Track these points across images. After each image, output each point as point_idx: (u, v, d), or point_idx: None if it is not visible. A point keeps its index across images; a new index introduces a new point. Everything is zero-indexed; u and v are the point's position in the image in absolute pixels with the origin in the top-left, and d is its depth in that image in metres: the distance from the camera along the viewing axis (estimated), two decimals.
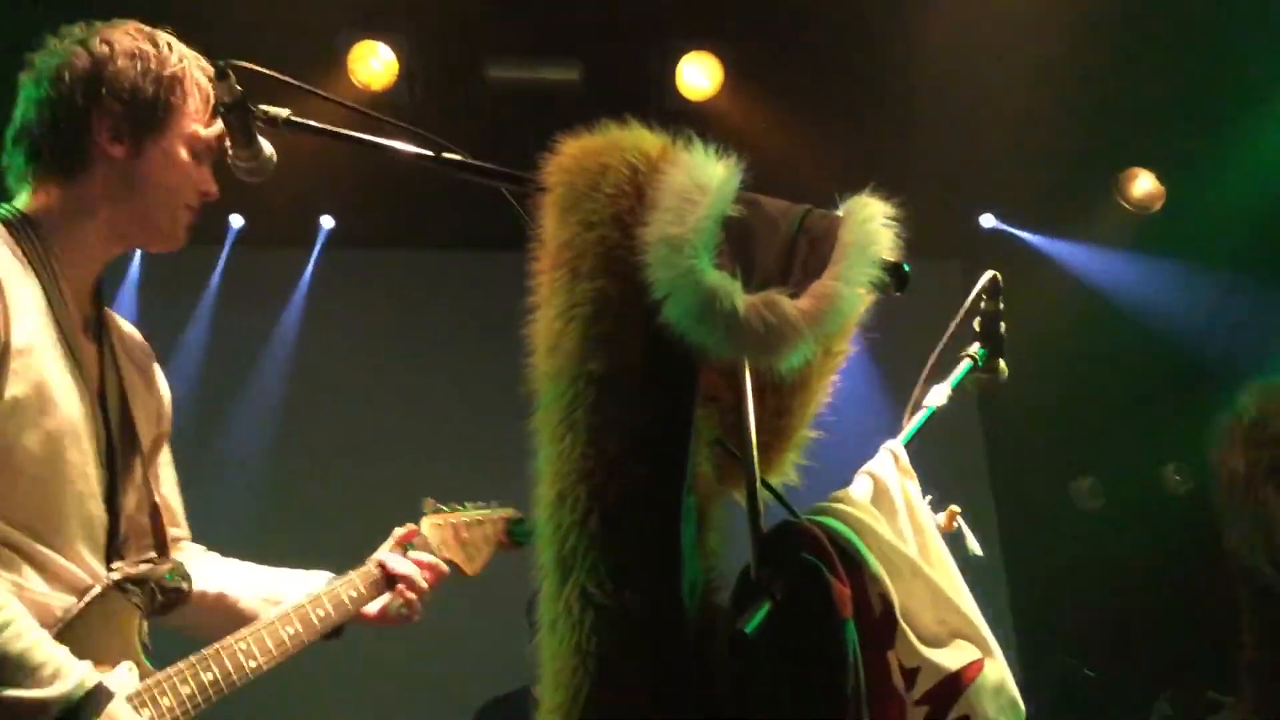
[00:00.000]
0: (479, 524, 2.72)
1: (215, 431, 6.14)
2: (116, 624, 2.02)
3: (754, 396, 1.50)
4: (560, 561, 1.40)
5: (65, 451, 1.98)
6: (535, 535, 1.45)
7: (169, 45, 2.17)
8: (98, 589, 2.00)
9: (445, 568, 2.58)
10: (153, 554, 2.14)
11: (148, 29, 2.17)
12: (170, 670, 2.07)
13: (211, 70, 2.06)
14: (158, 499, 2.23)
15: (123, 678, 1.99)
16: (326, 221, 6.50)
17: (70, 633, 1.94)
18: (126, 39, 2.13)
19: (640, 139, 1.60)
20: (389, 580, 2.47)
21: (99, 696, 1.84)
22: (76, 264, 2.12)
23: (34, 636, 1.84)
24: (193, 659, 2.11)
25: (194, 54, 2.19)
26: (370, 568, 2.47)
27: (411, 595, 2.47)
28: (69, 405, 1.99)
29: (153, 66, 2.13)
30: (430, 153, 1.76)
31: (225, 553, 2.53)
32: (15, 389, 1.92)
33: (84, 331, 2.13)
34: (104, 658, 1.97)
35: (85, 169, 2.09)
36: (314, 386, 6.28)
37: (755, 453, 1.47)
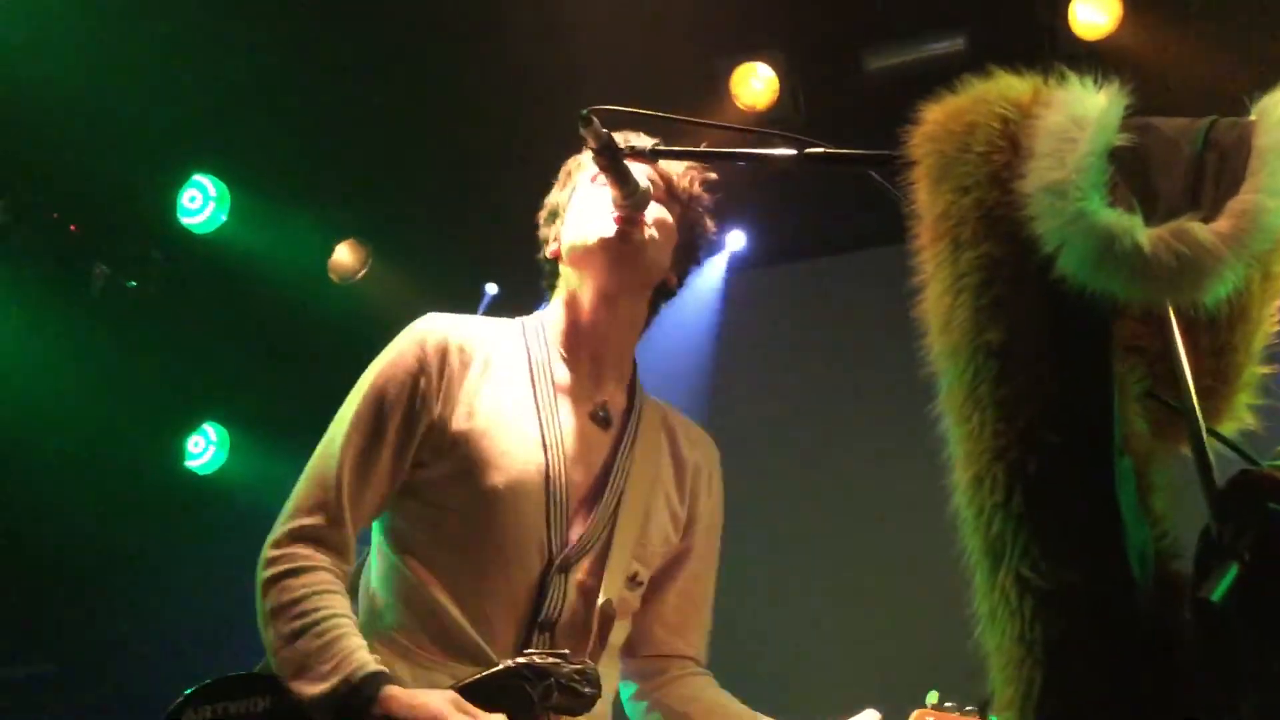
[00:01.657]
0: None
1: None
2: (506, 705, 2.03)
3: (1184, 338, 1.35)
4: (989, 548, 1.31)
5: (500, 524, 2.11)
6: (959, 522, 1.37)
7: (576, 157, 2.41)
8: (498, 668, 2.06)
9: None
10: (567, 651, 2.12)
11: None
12: None
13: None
14: (612, 605, 2.21)
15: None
16: (734, 239, 6.53)
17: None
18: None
19: (1007, 87, 1.49)
20: None
21: (371, 684, 1.92)
22: (595, 352, 2.30)
23: (331, 635, 1.96)
24: None
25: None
26: None
27: None
28: (516, 483, 2.13)
29: (558, 177, 2.42)
30: (793, 151, 1.73)
31: None
32: (459, 455, 2.11)
33: (593, 419, 2.26)
34: None
35: (558, 275, 2.36)
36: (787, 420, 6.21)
37: (1195, 399, 1.31)
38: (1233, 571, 1.19)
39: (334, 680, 1.93)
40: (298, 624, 1.98)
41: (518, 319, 2.36)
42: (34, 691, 5.60)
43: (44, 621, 5.69)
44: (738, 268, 6.33)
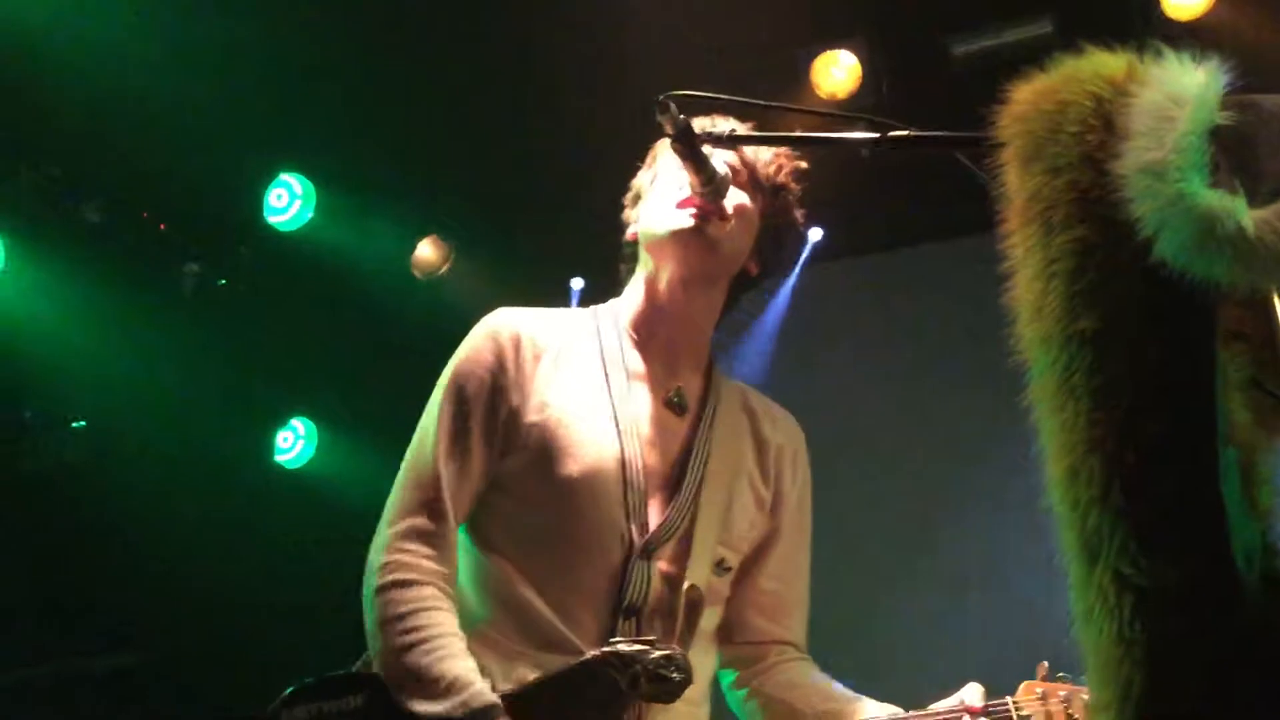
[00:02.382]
0: None
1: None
2: (594, 696, 2.03)
3: None
4: (1085, 544, 1.26)
5: (578, 513, 2.12)
6: (1054, 517, 1.32)
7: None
8: (584, 658, 2.04)
9: None
10: (654, 638, 2.10)
11: None
12: None
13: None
14: (698, 590, 2.19)
15: None
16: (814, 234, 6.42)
17: (541, 690, 2.02)
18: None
19: (1101, 65, 1.44)
20: None
21: (489, 713, 1.92)
22: (670, 338, 2.28)
23: (443, 653, 1.97)
24: None
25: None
26: (931, 717, 2.18)
27: None
28: (592, 472, 2.13)
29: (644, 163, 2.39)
30: (876, 135, 1.69)
31: None
32: (534, 447, 2.11)
33: (666, 405, 2.26)
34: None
35: (637, 258, 2.34)
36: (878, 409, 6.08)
37: None
38: None
39: (451, 701, 1.94)
40: (408, 639, 2.00)
41: (591, 308, 2.36)
42: (120, 684, 5.73)
43: (134, 613, 5.82)
44: (814, 260, 6.23)
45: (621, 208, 2.41)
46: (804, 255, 6.12)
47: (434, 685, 1.95)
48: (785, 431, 2.40)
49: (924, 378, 5.94)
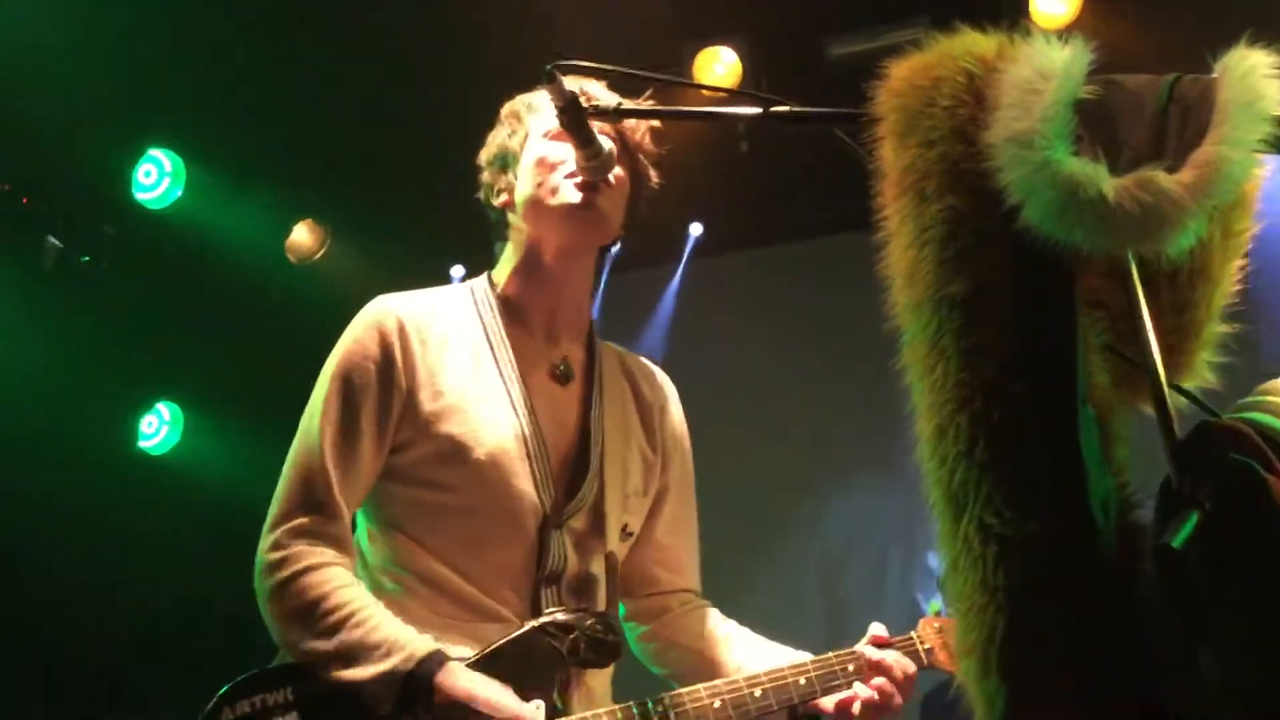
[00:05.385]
0: None
1: None
2: (535, 663, 2.04)
3: (1145, 294, 1.35)
4: (951, 497, 1.31)
5: (491, 495, 2.11)
6: (922, 473, 1.37)
7: (522, 98, 2.32)
8: (524, 629, 2.07)
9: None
10: (587, 604, 2.15)
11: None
12: (591, 715, 2.08)
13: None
14: (614, 557, 2.22)
15: (528, 713, 2.01)
16: (694, 229, 6.45)
17: (485, 663, 2.02)
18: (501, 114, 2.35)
19: (973, 43, 1.51)
20: (872, 667, 2.22)
21: (430, 662, 1.92)
22: (550, 308, 2.27)
23: (374, 622, 1.95)
24: (619, 708, 2.11)
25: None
26: (844, 656, 2.23)
27: (887, 687, 2.19)
28: (498, 452, 2.11)
29: (502, 119, 2.32)
30: (758, 110, 1.73)
31: None
32: (437, 435, 2.10)
33: (552, 376, 2.25)
34: (517, 690, 2.01)
35: (507, 225, 2.31)
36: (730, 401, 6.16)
37: (1157, 355, 1.32)
38: (1193, 520, 1.19)
39: (394, 660, 1.93)
40: (333, 619, 1.97)
41: (466, 284, 2.34)
42: None
43: None
44: (696, 256, 6.35)
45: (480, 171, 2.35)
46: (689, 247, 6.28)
47: (371, 653, 1.93)
48: (659, 387, 2.43)
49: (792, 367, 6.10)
